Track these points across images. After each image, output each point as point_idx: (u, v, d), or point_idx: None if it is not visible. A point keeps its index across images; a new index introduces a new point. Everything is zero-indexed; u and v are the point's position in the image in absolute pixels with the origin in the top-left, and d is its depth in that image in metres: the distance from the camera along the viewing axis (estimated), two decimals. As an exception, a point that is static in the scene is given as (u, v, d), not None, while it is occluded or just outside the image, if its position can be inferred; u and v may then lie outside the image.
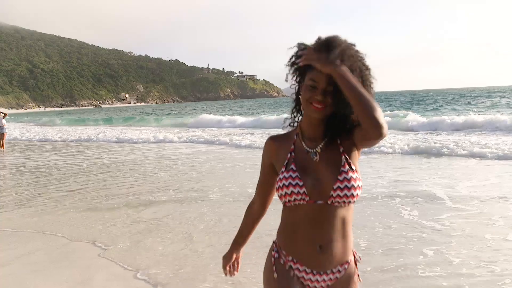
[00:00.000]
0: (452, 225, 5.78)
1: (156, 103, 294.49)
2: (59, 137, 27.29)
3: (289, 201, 1.84)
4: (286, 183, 1.82)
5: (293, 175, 1.82)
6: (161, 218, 6.77)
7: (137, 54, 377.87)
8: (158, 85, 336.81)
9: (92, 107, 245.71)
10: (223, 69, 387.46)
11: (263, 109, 55.04)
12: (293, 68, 1.88)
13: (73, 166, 13.55)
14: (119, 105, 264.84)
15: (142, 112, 74.03)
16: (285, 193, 1.82)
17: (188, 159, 13.98)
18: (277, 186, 1.87)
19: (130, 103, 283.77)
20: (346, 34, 1.84)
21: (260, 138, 19.04)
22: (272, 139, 2.01)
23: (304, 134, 1.92)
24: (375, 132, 1.66)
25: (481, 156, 11.22)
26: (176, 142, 20.76)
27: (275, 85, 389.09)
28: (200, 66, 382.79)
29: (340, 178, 1.79)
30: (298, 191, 1.80)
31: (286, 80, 1.93)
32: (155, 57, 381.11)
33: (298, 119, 1.99)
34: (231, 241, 2.27)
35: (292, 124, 2.01)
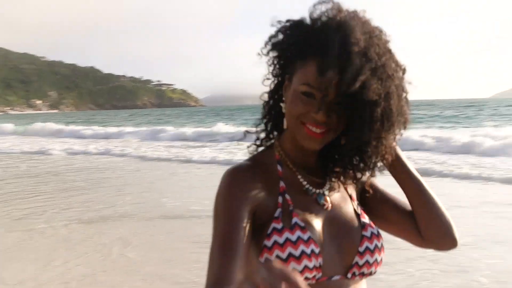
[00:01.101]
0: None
1: (71, 110, 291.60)
2: None
3: None
4: (296, 253, 1.00)
5: (304, 237, 1.03)
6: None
7: (51, 59, 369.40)
8: (73, 92, 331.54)
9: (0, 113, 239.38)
10: (142, 77, 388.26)
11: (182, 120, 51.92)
12: (271, 55, 1.15)
13: None
14: (30, 111, 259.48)
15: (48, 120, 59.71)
16: (293, 268, 0.99)
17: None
18: (268, 257, 1.02)
19: (41, 110, 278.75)
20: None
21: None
22: (246, 171, 1.10)
23: (294, 161, 1.16)
24: (445, 248, 1.20)
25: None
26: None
27: (193, 95, 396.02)
28: (117, 74, 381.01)
29: (367, 234, 1.12)
30: (314, 265, 1.02)
31: (263, 83, 1.19)
32: (70, 63, 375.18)
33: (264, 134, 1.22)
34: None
35: (261, 143, 1.23)
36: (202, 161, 12.93)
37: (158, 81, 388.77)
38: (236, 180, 1.07)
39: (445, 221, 1.17)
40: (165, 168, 11.98)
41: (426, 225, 1.17)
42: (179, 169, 11.81)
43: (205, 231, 4.97)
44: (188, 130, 24.14)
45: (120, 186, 9.32)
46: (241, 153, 14.23)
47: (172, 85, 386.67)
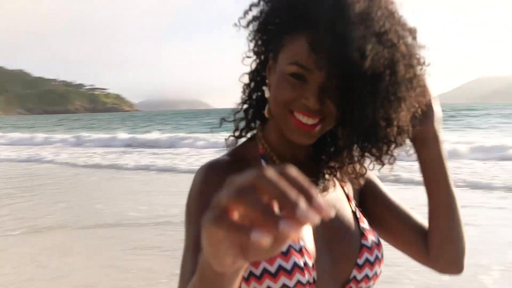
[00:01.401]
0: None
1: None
2: None
3: None
4: (288, 265, 0.83)
5: (296, 246, 0.86)
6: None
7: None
8: (0, 96, 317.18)
9: None
10: (74, 81, 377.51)
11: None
12: (252, 28, 0.95)
13: None
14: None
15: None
16: (283, 285, 0.83)
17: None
18: (253, 270, 0.84)
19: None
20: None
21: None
22: (223, 167, 0.93)
23: (280, 155, 0.98)
24: (449, 273, 1.04)
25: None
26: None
27: (128, 100, 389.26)
28: (48, 77, 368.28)
29: (367, 243, 0.97)
30: (308, 280, 0.85)
31: (243, 62, 1.00)
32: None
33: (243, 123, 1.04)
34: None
35: (241, 134, 1.05)
36: (138, 167, 12.71)
37: (91, 85, 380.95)
38: (211, 177, 0.91)
39: (462, 246, 1.02)
40: (99, 175, 11.67)
41: (440, 244, 1.01)
42: (114, 175, 11.56)
43: (141, 237, 5.10)
44: (123, 135, 23.67)
45: (54, 194, 9.04)
46: (178, 159, 14.09)
47: (105, 89, 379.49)
